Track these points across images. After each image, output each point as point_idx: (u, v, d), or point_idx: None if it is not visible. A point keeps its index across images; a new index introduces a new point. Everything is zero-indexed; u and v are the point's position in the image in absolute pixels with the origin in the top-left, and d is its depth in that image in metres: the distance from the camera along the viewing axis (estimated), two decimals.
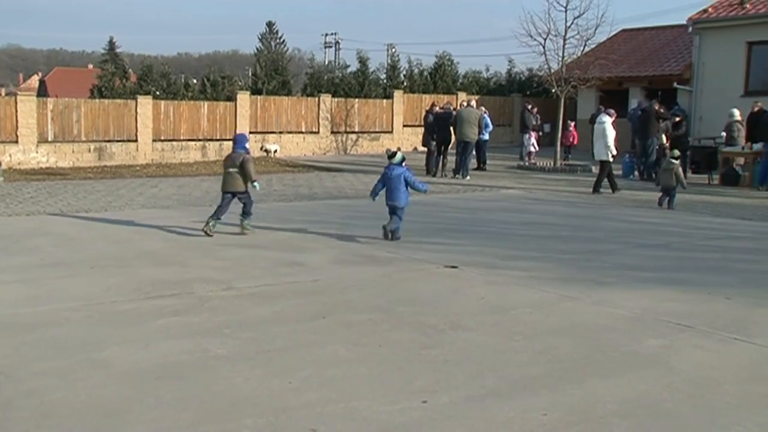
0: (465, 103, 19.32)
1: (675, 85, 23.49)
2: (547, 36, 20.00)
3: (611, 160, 15.18)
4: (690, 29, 23.36)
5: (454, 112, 18.50)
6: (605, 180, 15.36)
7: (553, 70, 20.86)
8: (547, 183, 17.32)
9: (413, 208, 12.42)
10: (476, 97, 27.48)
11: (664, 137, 18.51)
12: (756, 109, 17.33)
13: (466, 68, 34.00)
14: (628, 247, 9.40)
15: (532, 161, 21.72)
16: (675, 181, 13.32)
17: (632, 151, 19.43)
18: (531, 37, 19.99)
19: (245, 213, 10.05)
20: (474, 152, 18.67)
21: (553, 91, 20.38)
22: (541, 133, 24.20)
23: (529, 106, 22.86)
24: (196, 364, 5.02)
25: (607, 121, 15.42)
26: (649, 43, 28.33)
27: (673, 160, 13.52)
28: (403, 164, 9.78)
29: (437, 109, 18.65)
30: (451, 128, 18.27)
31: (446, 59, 29.74)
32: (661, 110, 18.39)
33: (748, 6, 22.09)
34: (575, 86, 20.22)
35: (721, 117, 18.63)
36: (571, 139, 22.39)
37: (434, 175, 17.97)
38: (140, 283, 7.19)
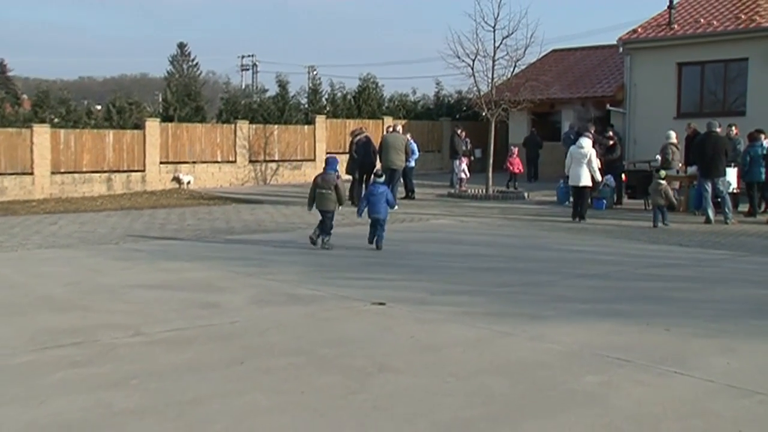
0: (391, 128, 19.50)
1: (608, 107, 24.26)
2: (476, 57, 20.44)
3: (590, 185, 15.77)
4: (621, 50, 24.24)
5: (367, 135, 18.63)
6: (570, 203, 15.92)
7: (482, 93, 21.28)
8: (480, 212, 17.55)
9: (337, 240, 12.39)
10: (402, 121, 27.80)
11: (597, 161, 19.03)
12: (690, 131, 18.04)
13: (392, 91, 34.50)
14: (565, 277, 9.57)
15: (463, 188, 22.02)
16: (665, 199, 14.89)
17: (567, 176, 19.86)
18: (459, 58, 20.40)
19: (324, 230, 11.85)
20: (401, 180, 18.82)
21: (484, 114, 20.77)
22: (472, 159, 24.61)
23: (459, 131, 23.24)
24: (99, 421, 4.83)
25: (589, 143, 15.79)
26: (580, 64, 29.27)
27: (661, 181, 15.10)
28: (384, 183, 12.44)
29: (358, 135, 18.72)
30: (376, 155, 18.42)
31: (370, 81, 30.03)
32: (595, 133, 18.94)
33: (675, 27, 23.09)
34: (506, 109, 20.67)
35: (656, 139, 19.31)
36: (517, 166, 22.75)
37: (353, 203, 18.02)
38: (35, 332, 6.92)
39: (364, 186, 18.33)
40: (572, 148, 15.98)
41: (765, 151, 15.93)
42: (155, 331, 6.96)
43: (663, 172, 15.65)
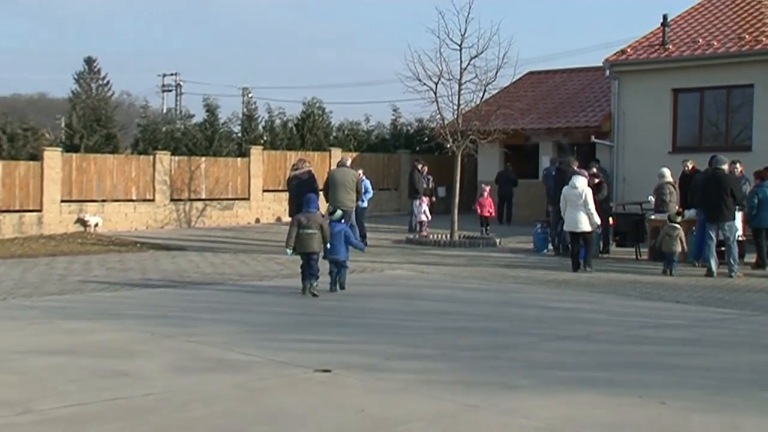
0: (340, 163, 19.56)
1: (593, 139, 24.73)
2: (439, 79, 20.73)
3: (590, 229, 16.11)
4: (607, 73, 24.81)
5: (310, 169, 18.64)
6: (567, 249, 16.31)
7: (447, 121, 21.53)
8: (444, 261, 17.65)
9: (273, 298, 12.32)
10: (353, 154, 27.97)
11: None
12: (689, 168, 18.37)
13: (342, 118, 34.53)
14: (543, 339, 9.64)
15: (424, 233, 22.13)
16: (680, 246, 15.65)
17: (545, 220, 20.15)
18: (420, 80, 20.66)
19: (312, 274, 12.65)
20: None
21: (448, 146, 20.99)
22: (434, 199, 24.78)
23: (420, 166, 23.43)
24: None
25: (583, 182, 16.11)
26: (561, 89, 29.84)
27: (676, 225, 15.87)
28: (342, 221, 13.42)
29: (299, 170, 18.71)
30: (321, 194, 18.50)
31: (316, 107, 30.23)
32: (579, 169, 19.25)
33: (670, 47, 23.73)
34: (474, 141, 20.93)
35: (648, 177, 19.69)
36: (488, 208, 22.91)
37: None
38: None
39: None
40: (565, 189, 16.25)
41: None
42: (49, 407, 6.81)
43: (677, 216, 16.31)
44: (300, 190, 18.34)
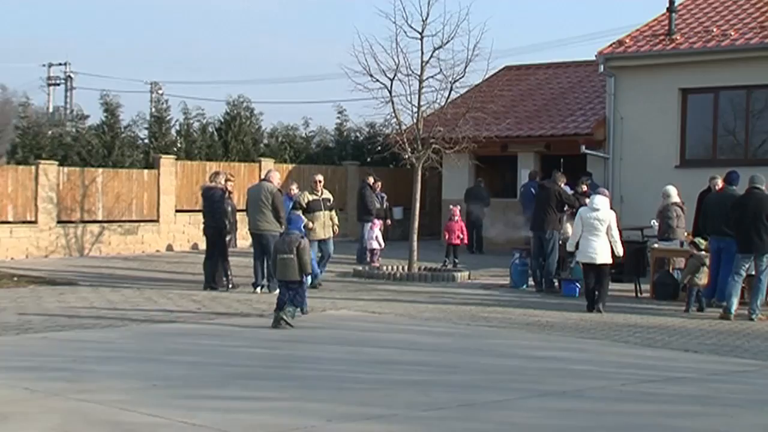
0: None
1: (583, 149, 24.98)
2: (395, 75, 20.78)
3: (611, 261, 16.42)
4: (601, 68, 25.09)
5: (229, 187, 18.60)
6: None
7: (405, 127, 21.60)
8: (400, 298, 17.66)
9: (188, 344, 12.23)
10: (288, 166, 27.95)
11: (569, 227, 19.49)
12: (719, 187, 18.47)
13: (275, 122, 34.51)
14: (522, 396, 9.66)
15: (376, 264, 22.14)
16: (706, 279, 16.26)
17: (524, 248, 20.27)
18: (371, 76, 20.70)
19: (295, 303, 13.85)
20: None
21: (406, 157, 21.05)
22: (389, 222, 24.84)
23: (371, 181, 23.49)
24: None
25: (606, 203, 16.38)
26: (545, 88, 30.16)
27: (703, 252, 16.42)
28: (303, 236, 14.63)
29: (216, 181, 18.66)
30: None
31: (243, 107, 30.21)
32: (566, 187, 19.44)
33: (677, 37, 24.09)
34: (438, 151, 21.00)
35: (651, 196, 19.92)
36: (459, 234, 22.93)
37: (214, 289, 17.96)
38: None
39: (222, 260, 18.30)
40: (583, 210, 16.41)
41: None
42: None
43: (702, 242, 16.59)
44: (208, 209, 18.38)
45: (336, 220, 19.08)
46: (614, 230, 16.34)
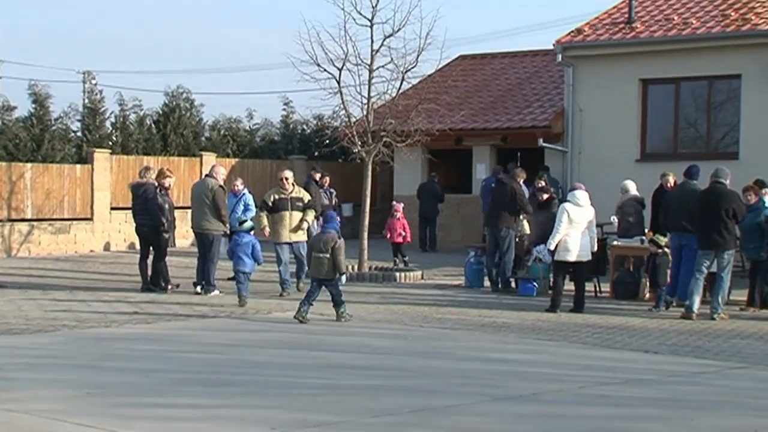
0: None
1: (541, 143, 25.10)
2: (344, 64, 20.75)
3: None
4: (559, 57, 25.22)
5: (167, 184, 18.42)
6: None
7: (354, 119, 21.59)
8: (350, 299, 17.56)
9: (125, 350, 12.16)
10: (231, 160, 27.84)
11: (526, 224, 19.60)
12: (671, 184, 18.65)
13: (217, 114, 34.31)
14: (477, 401, 9.69)
15: None
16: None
17: (480, 246, 20.34)
18: (318, 65, 20.65)
19: (337, 303, 14.82)
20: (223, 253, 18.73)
21: (356, 151, 21.05)
22: (338, 219, 24.81)
23: (319, 177, 23.44)
24: None
25: (587, 198, 16.51)
26: (501, 78, 30.28)
27: (666, 249, 16.51)
28: (251, 233, 16.51)
29: (147, 177, 18.50)
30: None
31: (182, 98, 30.09)
32: (523, 183, 19.55)
33: (638, 26, 24.27)
34: (389, 144, 21.02)
35: (611, 192, 20.06)
36: (401, 232, 22.89)
37: (153, 291, 17.91)
38: None
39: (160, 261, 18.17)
40: (568, 206, 16.41)
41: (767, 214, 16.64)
42: None
43: (662, 239, 16.73)
44: (137, 207, 18.25)
45: (307, 222, 18.21)
46: (594, 226, 16.50)
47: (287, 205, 17.79)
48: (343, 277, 15.10)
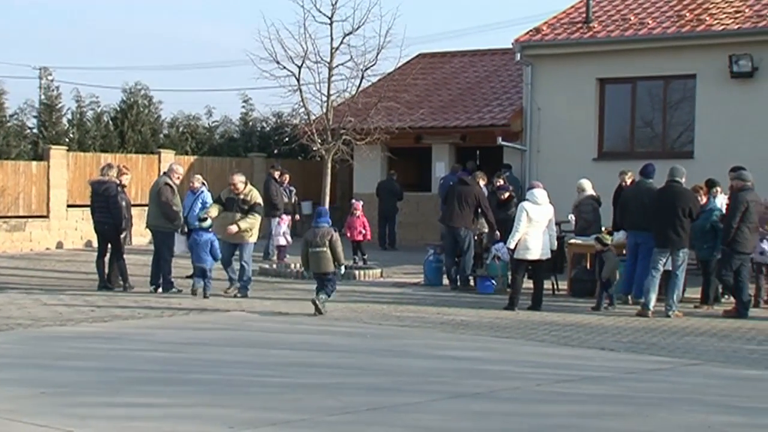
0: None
1: (500, 141, 25.18)
2: (303, 62, 20.74)
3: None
4: (518, 56, 25.30)
5: (124, 181, 18.26)
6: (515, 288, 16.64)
7: (313, 117, 21.57)
8: (309, 296, 17.56)
9: (81, 349, 12.09)
10: (190, 158, 27.72)
11: (484, 224, 19.65)
12: (628, 182, 18.77)
13: (175, 111, 34.21)
14: (434, 398, 9.71)
15: (284, 261, 22.07)
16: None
17: (439, 244, 20.37)
18: (278, 63, 20.63)
19: (327, 292, 15.17)
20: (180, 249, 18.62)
21: (315, 149, 21.03)
22: (297, 217, 24.79)
23: (278, 174, 23.40)
24: None
25: (546, 196, 16.58)
26: (460, 77, 30.35)
27: (612, 247, 16.75)
28: (210, 231, 16.84)
29: (109, 175, 18.36)
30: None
31: (141, 95, 29.94)
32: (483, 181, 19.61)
33: (595, 25, 24.40)
34: (349, 142, 21.02)
35: (569, 190, 20.17)
36: (361, 230, 22.86)
37: (110, 289, 17.76)
38: None
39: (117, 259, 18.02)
40: (527, 204, 16.39)
41: (720, 214, 16.78)
42: None
43: (607, 237, 16.96)
44: (96, 205, 18.08)
45: (244, 225, 17.21)
46: (553, 224, 16.58)
47: (233, 206, 17.34)
48: (342, 268, 15.55)
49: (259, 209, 17.52)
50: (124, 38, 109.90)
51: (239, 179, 17.42)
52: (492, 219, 18.97)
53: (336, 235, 15.27)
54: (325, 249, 14.99)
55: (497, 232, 18.73)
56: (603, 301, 16.55)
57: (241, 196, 17.22)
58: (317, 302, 15.04)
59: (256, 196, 17.61)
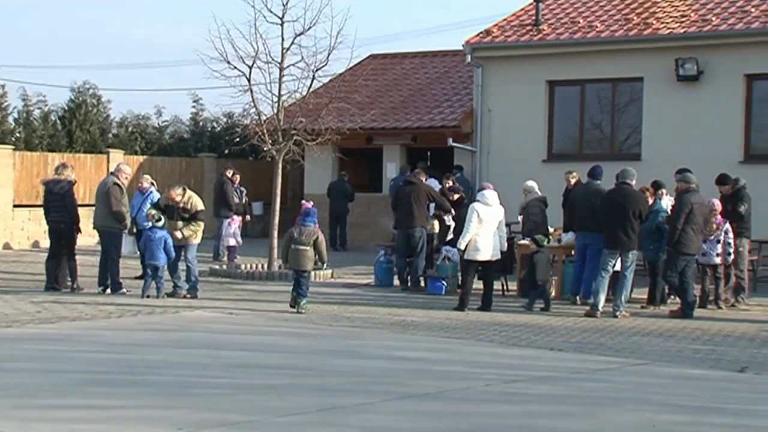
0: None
1: (450, 142, 25.26)
2: (254, 62, 20.68)
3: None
4: (468, 58, 25.41)
5: (71, 180, 18.12)
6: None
7: (264, 117, 21.53)
8: (259, 298, 17.63)
9: (26, 350, 12.00)
10: (139, 158, 27.55)
11: (436, 224, 19.72)
12: (572, 182, 18.94)
13: (124, 110, 34.08)
14: (385, 399, 9.73)
15: (234, 262, 22.01)
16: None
17: (390, 245, 20.41)
18: (228, 63, 20.55)
19: (301, 293, 15.54)
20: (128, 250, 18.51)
21: (266, 149, 20.98)
22: (248, 218, 24.73)
23: (229, 175, 23.34)
24: None
25: (497, 197, 16.64)
26: (411, 78, 30.42)
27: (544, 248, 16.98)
28: (164, 228, 16.77)
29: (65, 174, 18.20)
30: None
31: (89, 95, 29.75)
32: (433, 180, 19.64)
33: (544, 28, 24.56)
34: (300, 143, 20.99)
35: (519, 191, 20.27)
36: None
37: (57, 290, 17.60)
38: None
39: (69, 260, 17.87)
40: (477, 206, 16.41)
41: (666, 215, 16.95)
42: None
43: (543, 238, 17.18)
44: (50, 204, 17.92)
45: (187, 232, 17.13)
46: (503, 225, 16.67)
47: (173, 214, 17.20)
48: (324, 266, 16.35)
49: (201, 216, 17.37)
50: (72, 37, 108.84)
51: (176, 193, 17.25)
52: (448, 206, 19.10)
53: (322, 236, 15.76)
54: (308, 248, 15.46)
55: (452, 223, 18.79)
56: (535, 300, 16.70)
57: (181, 205, 17.14)
58: (300, 309, 15.58)
59: (197, 203, 17.40)
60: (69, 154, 26.78)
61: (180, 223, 17.06)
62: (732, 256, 16.90)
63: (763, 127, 22.91)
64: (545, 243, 17.07)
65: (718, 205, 16.90)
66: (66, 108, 29.66)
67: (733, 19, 22.61)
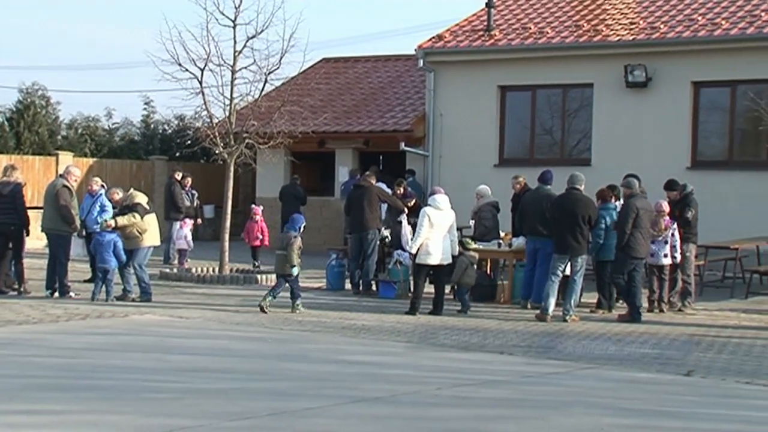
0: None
1: (402, 146, 25.31)
2: (206, 65, 20.58)
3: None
4: (421, 62, 25.51)
5: (20, 182, 17.93)
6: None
7: (216, 120, 21.43)
8: (210, 301, 17.54)
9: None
10: (89, 160, 27.34)
11: (408, 228, 19.74)
12: (519, 187, 19.05)
13: (74, 112, 33.88)
14: (335, 403, 9.73)
15: (184, 265, 21.91)
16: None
17: (342, 248, 20.40)
18: (180, 65, 20.44)
19: (294, 295, 16.23)
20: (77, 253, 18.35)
21: (218, 152, 20.89)
22: (199, 221, 24.63)
23: (180, 177, 23.20)
24: None
25: (447, 201, 16.65)
26: (363, 82, 30.46)
27: (473, 253, 17.13)
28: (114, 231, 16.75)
29: (14, 176, 18.01)
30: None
31: (38, 96, 29.50)
32: (381, 184, 19.65)
33: (496, 33, 24.69)
34: (252, 146, 20.92)
35: (471, 196, 20.35)
36: (257, 235, 22.84)
37: (3, 293, 17.38)
38: None
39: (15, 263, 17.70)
40: (429, 210, 16.42)
41: (612, 221, 17.07)
42: None
43: (469, 240, 17.35)
44: (0, 206, 17.70)
45: (121, 221, 16.93)
46: (455, 229, 16.70)
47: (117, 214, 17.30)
48: (294, 270, 16.10)
49: (139, 209, 17.18)
50: (20, 37, 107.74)
51: (115, 192, 18.21)
52: (400, 205, 19.13)
53: (295, 240, 16.14)
54: (285, 252, 16.05)
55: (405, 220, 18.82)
56: (467, 303, 16.89)
57: (125, 204, 17.17)
58: (294, 309, 16.16)
59: (136, 196, 17.47)
60: (17, 155, 26.49)
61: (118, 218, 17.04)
62: (678, 258, 17.05)
63: (710, 133, 23.24)
64: (470, 245, 17.18)
65: (665, 207, 17.05)
66: (14, 109, 29.44)
67: (681, 27, 22.88)
